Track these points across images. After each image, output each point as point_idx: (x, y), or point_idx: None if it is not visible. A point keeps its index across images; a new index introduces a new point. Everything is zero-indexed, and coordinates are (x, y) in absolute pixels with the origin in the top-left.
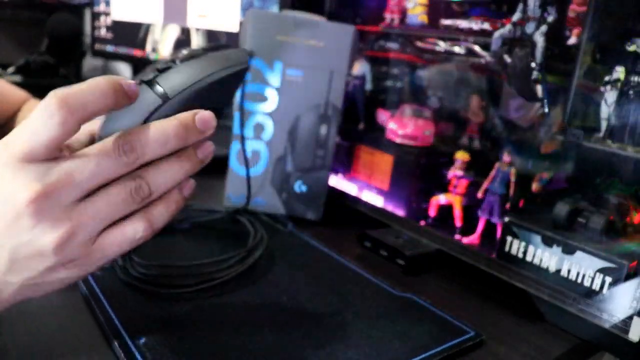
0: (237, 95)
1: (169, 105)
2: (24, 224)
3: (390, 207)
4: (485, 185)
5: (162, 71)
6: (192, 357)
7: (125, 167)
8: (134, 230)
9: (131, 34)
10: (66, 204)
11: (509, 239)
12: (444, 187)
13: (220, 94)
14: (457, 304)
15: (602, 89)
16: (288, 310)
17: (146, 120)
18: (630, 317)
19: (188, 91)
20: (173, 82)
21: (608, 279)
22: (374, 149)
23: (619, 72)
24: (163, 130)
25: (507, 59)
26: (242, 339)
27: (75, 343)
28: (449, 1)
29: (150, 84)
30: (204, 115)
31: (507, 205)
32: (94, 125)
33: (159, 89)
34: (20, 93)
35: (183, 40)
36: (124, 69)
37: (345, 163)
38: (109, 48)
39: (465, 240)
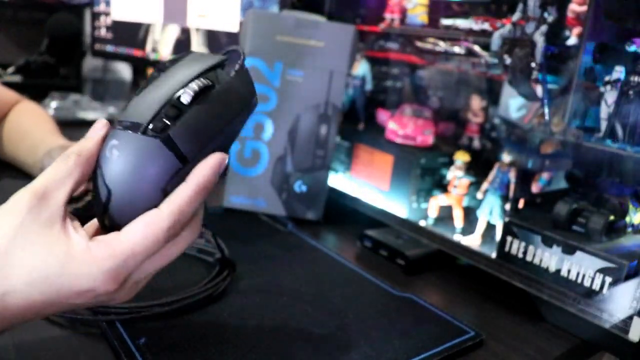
0: None
1: (188, 167)
2: (96, 299)
3: (390, 207)
4: (485, 185)
5: (175, 119)
6: (192, 357)
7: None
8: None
9: (131, 34)
10: (126, 276)
11: (509, 239)
12: (444, 187)
13: (233, 134)
14: (457, 304)
15: (602, 89)
16: (288, 309)
17: (166, 186)
18: (630, 317)
19: (207, 150)
20: (190, 139)
21: (608, 279)
22: (374, 149)
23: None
24: (194, 203)
25: (507, 59)
26: (242, 339)
27: (75, 343)
28: (449, 1)
29: (168, 141)
30: (221, 167)
31: (507, 206)
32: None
33: (176, 147)
34: (10, 94)
35: (183, 40)
36: (124, 69)
37: (345, 163)
38: (109, 48)
39: (465, 240)
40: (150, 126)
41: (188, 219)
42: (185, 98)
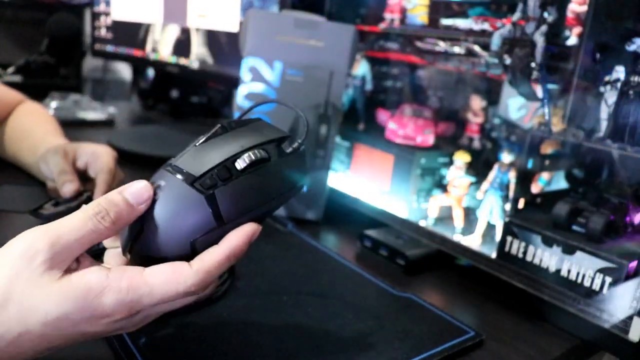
0: (237, 95)
1: (222, 229)
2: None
3: (390, 207)
4: (485, 185)
5: (224, 180)
6: (192, 357)
7: None
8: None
9: (131, 34)
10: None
11: (509, 239)
12: (444, 187)
13: (271, 210)
14: (457, 304)
15: (602, 89)
16: (288, 310)
17: (195, 240)
18: (630, 317)
19: (243, 219)
20: (232, 203)
21: (608, 279)
22: (374, 149)
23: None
24: (222, 267)
25: (507, 59)
26: (242, 339)
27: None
28: (449, 1)
29: (211, 199)
30: (254, 238)
31: (507, 206)
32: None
33: (217, 207)
34: (13, 95)
35: (183, 40)
36: (124, 69)
37: (345, 163)
38: (109, 48)
39: (465, 240)
40: (200, 181)
41: (212, 282)
42: (240, 164)
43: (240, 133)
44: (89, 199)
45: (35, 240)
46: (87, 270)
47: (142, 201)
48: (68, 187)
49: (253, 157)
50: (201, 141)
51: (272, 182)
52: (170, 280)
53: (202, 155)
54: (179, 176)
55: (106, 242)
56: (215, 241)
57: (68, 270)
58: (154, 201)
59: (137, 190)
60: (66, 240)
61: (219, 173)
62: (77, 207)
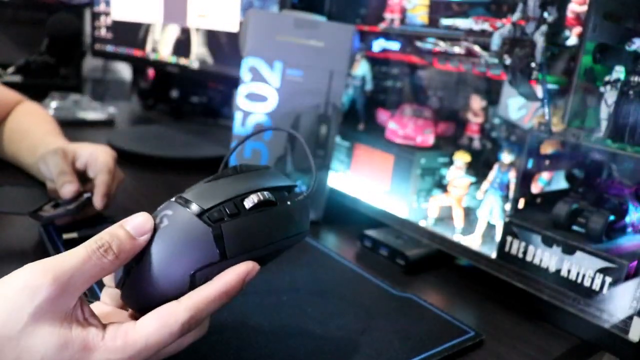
0: (237, 95)
1: (222, 264)
2: None
3: (390, 207)
4: (485, 185)
5: (231, 216)
6: (191, 357)
7: None
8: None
9: (131, 34)
10: None
11: (509, 239)
12: (444, 187)
13: (273, 254)
14: (457, 304)
15: (602, 89)
16: (288, 310)
17: (195, 272)
18: (630, 317)
19: (244, 257)
20: (237, 239)
21: (608, 279)
22: (374, 149)
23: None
24: (213, 305)
25: (507, 59)
26: (242, 339)
27: None
28: (449, 1)
29: (217, 233)
30: (250, 277)
31: (507, 206)
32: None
33: (222, 242)
34: (12, 95)
35: (183, 40)
36: (124, 69)
37: (345, 163)
38: (109, 48)
39: (465, 240)
40: (207, 213)
41: (204, 318)
42: (248, 203)
43: (250, 176)
44: (88, 200)
45: (39, 276)
46: (86, 323)
47: (144, 233)
48: (67, 188)
49: (261, 198)
50: (211, 179)
51: (277, 225)
52: (161, 324)
53: (211, 191)
54: (187, 207)
55: (105, 279)
56: (212, 277)
57: (70, 315)
58: (160, 230)
59: (138, 222)
60: (70, 275)
61: (227, 208)
62: (77, 208)
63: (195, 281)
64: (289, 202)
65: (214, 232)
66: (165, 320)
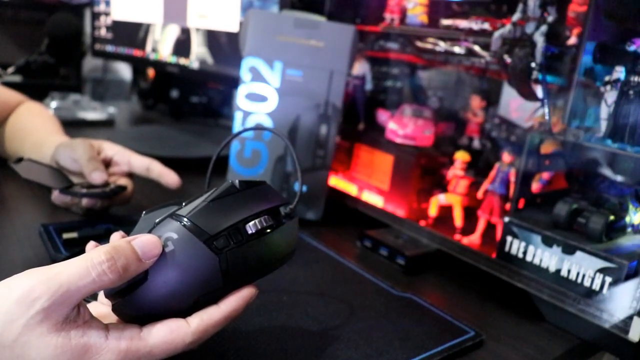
0: (237, 95)
1: (224, 289)
2: None
3: (390, 207)
4: (485, 185)
5: (236, 243)
6: (191, 357)
7: None
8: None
9: (131, 34)
10: None
11: (509, 239)
12: (444, 187)
13: (266, 274)
14: (457, 304)
15: (602, 89)
16: (288, 309)
17: (199, 298)
18: (630, 317)
19: (244, 281)
20: (242, 267)
21: (608, 279)
22: (374, 149)
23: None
24: (219, 327)
25: (507, 59)
26: (242, 339)
27: None
28: (449, 1)
29: (223, 260)
30: (251, 300)
31: (507, 206)
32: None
33: (228, 269)
34: (13, 95)
35: (183, 40)
36: (124, 69)
37: (345, 163)
38: (109, 48)
39: (465, 240)
40: (214, 241)
41: (208, 337)
42: (251, 229)
43: (249, 196)
44: (120, 189)
45: (35, 286)
46: (86, 327)
47: (151, 257)
48: (98, 174)
49: (264, 224)
50: (213, 197)
51: (274, 249)
52: (168, 340)
53: (215, 214)
54: (191, 231)
55: None
56: (215, 300)
57: (67, 322)
58: (164, 254)
59: (147, 244)
60: (67, 288)
61: (232, 235)
62: (112, 191)
63: (198, 305)
64: (282, 223)
65: (221, 261)
66: (173, 337)
